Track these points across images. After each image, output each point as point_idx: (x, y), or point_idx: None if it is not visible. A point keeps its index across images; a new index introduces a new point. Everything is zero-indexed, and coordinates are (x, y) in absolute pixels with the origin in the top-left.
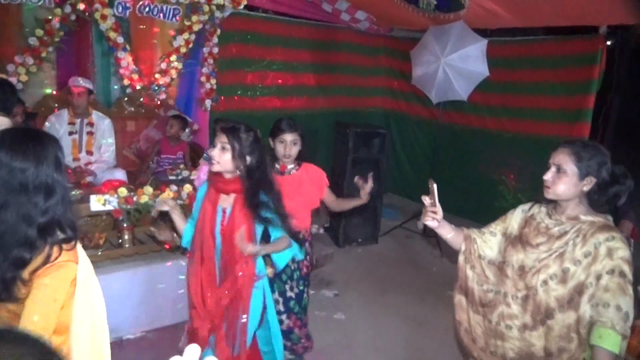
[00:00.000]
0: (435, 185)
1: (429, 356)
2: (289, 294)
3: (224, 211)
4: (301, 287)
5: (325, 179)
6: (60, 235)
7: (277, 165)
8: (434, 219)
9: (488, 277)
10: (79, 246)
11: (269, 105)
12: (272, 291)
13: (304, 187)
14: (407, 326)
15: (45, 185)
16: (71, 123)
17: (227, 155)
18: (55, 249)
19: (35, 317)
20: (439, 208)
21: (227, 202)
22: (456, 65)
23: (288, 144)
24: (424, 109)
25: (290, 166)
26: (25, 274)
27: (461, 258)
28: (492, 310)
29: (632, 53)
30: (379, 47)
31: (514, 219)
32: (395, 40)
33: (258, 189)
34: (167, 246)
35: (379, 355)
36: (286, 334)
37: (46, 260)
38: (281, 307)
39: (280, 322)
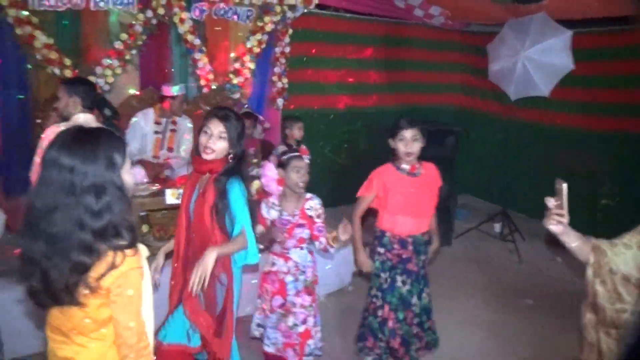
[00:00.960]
0: (565, 185)
1: None
2: (385, 285)
3: (199, 190)
4: (423, 285)
5: (439, 177)
6: (119, 240)
7: (404, 166)
8: (559, 222)
9: (621, 295)
10: (140, 246)
11: (339, 103)
12: (411, 294)
13: (431, 187)
14: (475, 332)
15: (95, 185)
16: (157, 123)
17: (223, 144)
18: (119, 255)
19: (131, 323)
20: (566, 211)
21: (204, 182)
22: (537, 59)
23: (409, 141)
24: (501, 106)
25: (417, 166)
26: (91, 279)
27: (589, 272)
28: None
29: None
30: (453, 42)
31: None
32: (470, 35)
33: (234, 172)
34: None
35: (442, 358)
36: (417, 336)
37: (111, 267)
38: (417, 310)
39: (418, 323)
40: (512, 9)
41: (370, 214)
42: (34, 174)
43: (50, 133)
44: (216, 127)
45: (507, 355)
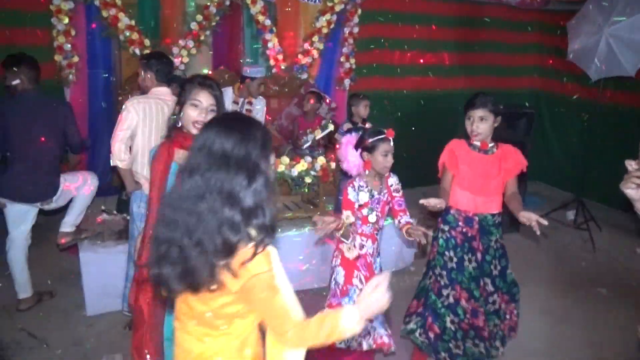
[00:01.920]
0: None
1: (567, 354)
2: (494, 272)
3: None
4: (503, 264)
5: (524, 163)
6: (262, 224)
7: (476, 143)
8: (639, 186)
9: None
10: None
11: (408, 85)
12: (482, 274)
13: (505, 168)
14: (544, 320)
15: (247, 165)
16: (235, 102)
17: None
18: (261, 240)
19: (292, 313)
20: None
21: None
22: (623, 36)
23: (475, 120)
24: (581, 88)
25: (490, 144)
26: (235, 264)
27: None
28: None
29: None
30: (530, 22)
31: None
32: (549, 14)
33: None
34: None
35: (513, 345)
36: (496, 313)
37: (253, 255)
38: (490, 288)
39: (493, 302)
40: None
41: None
42: (114, 141)
43: (129, 104)
44: (207, 100)
45: (581, 343)
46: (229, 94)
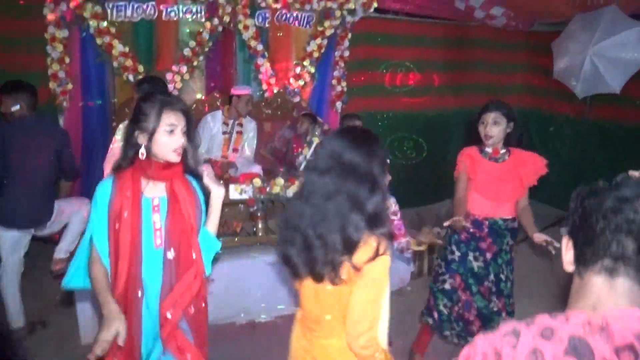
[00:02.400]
0: None
1: None
2: (502, 276)
3: (154, 202)
4: (502, 271)
5: (543, 166)
6: (381, 230)
7: (487, 150)
8: None
9: None
10: None
11: (399, 105)
12: (488, 272)
13: (516, 175)
14: None
15: (372, 179)
16: (225, 123)
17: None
18: (383, 243)
19: (375, 326)
20: None
21: (155, 191)
22: (607, 54)
23: (489, 123)
24: (568, 106)
25: (502, 151)
26: (359, 262)
27: None
28: None
29: None
30: (516, 42)
31: None
32: (534, 34)
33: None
34: None
35: None
36: (448, 293)
37: (375, 255)
38: (494, 289)
39: (443, 282)
40: (579, 3)
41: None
42: (108, 163)
43: (122, 127)
44: (180, 122)
45: None
46: (218, 116)
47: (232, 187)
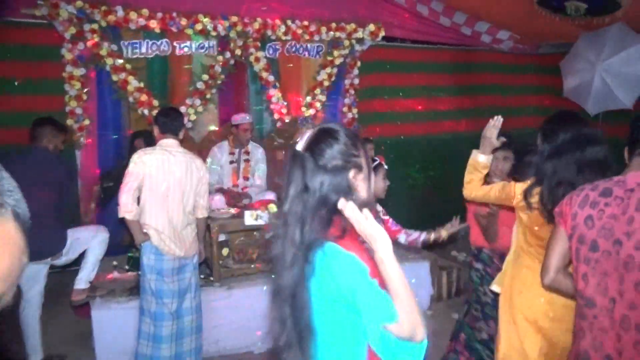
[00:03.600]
0: None
1: None
2: (484, 299)
3: None
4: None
5: None
6: None
7: (495, 180)
8: None
9: None
10: None
11: (411, 131)
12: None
13: None
14: None
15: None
16: (231, 153)
17: None
18: None
19: None
20: None
21: None
22: (616, 71)
23: (500, 160)
24: None
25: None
26: None
27: None
28: None
29: None
30: (524, 65)
31: None
32: (542, 56)
33: None
34: None
35: None
36: (487, 343)
37: None
38: (479, 315)
39: (480, 330)
40: (584, 23)
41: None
42: (122, 193)
43: (135, 156)
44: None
45: None
46: (225, 146)
47: (247, 213)
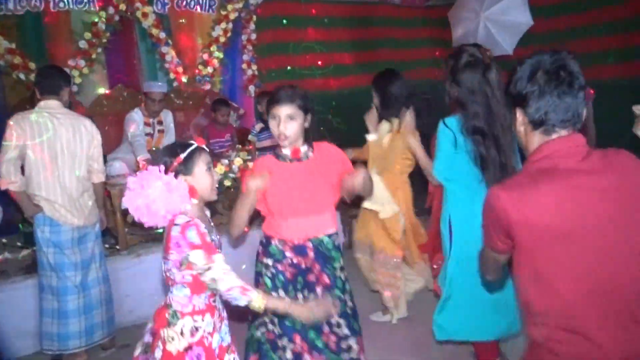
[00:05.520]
0: None
1: None
2: (348, 310)
3: None
4: (350, 297)
5: (343, 156)
6: None
7: (285, 152)
8: None
9: None
10: None
11: (312, 87)
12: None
13: (328, 172)
14: None
15: None
16: (146, 124)
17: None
18: None
19: None
20: None
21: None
22: (497, 19)
23: (282, 120)
24: None
25: (304, 148)
26: None
27: None
28: None
29: None
30: (416, 18)
31: None
32: (432, 9)
33: None
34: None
35: None
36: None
37: None
38: (345, 330)
39: (349, 348)
40: None
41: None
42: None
43: (10, 122)
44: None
45: None
46: (139, 114)
47: None
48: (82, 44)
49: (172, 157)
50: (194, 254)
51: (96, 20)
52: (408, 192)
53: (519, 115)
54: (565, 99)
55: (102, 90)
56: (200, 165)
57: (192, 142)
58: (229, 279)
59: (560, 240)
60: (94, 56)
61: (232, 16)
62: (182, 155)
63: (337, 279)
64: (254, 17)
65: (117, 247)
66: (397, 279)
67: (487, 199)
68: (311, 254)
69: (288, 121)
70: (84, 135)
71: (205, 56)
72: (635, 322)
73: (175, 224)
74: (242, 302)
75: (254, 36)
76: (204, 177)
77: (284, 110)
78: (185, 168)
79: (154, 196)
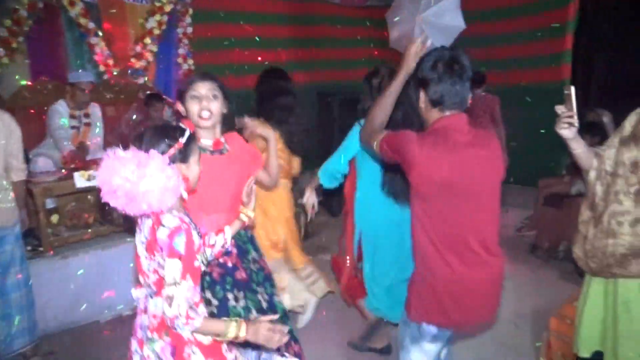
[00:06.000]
0: (573, 89)
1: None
2: (264, 304)
3: None
4: (270, 291)
5: (254, 151)
6: None
7: (205, 142)
8: (571, 125)
9: (617, 194)
10: None
11: (249, 84)
12: (249, 310)
13: (245, 165)
14: None
15: None
16: (72, 116)
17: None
18: None
19: None
20: (575, 115)
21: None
22: (432, 21)
23: (204, 98)
24: None
25: (222, 140)
26: None
27: (592, 174)
28: (603, 212)
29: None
30: (356, 17)
31: (628, 121)
32: (372, 9)
33: None
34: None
35: None
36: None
37: None
38: None
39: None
40: None
41: None
42: None
43: None
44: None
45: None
46: (64, 106)
47: (76, 174)
48: (2, 32)
49: (171, 142)
50: (171, 263)
51: (17, 7)
52: (285, 197)
53: (422, 95)
54: (456, 87)
55: (24, 82)
56: (195, 154)
57: (183, 125)
58: (183, 307)
59: (446, 190)
60: (14, 45)
61: (168, 8)
62: (182, 140)
63: (253, 272)
64: (190, 10)
65: (41, 249)
66: (280, 281)
67: (409, 134)
68: (234, 250)
69: (211, 100)
70: (1, 130)
71: (138, 49)
72: (470, 251)
73: (163, 225)
74: (185, 332)
75: (190, 30)
76: (195, 167)
77: (207, 86)
78: (183, 155)
79: (152, 185)
